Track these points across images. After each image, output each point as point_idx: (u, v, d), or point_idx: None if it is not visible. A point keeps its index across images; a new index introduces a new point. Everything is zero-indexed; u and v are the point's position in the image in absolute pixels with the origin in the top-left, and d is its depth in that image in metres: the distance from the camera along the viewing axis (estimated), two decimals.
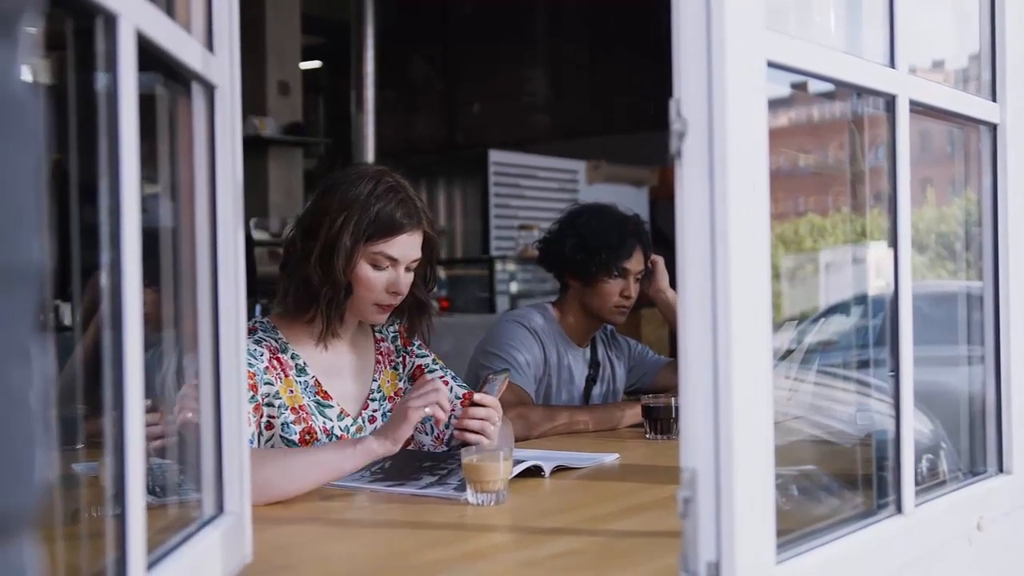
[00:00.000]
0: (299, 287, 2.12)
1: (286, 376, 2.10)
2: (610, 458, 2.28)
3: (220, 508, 1.32)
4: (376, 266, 2.11)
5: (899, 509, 1.46)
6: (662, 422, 2.57)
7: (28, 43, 0.60)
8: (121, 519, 0.97)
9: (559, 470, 2.11)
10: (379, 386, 2.25)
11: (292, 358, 2.13)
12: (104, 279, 0.97)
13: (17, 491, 0.56)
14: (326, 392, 2.15)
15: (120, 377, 0.96)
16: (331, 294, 2.09)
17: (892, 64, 1.47)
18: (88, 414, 1.12)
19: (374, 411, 2.22)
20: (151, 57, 1.07)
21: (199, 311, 1.30)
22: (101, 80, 0.98)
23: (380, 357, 2.28)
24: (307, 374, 2.13)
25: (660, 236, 5.74)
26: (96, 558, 1.02)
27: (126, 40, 0.97)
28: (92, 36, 0.96)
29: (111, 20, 0.96)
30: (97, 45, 0.96)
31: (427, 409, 1.89)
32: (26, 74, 0.59)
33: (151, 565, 1.04)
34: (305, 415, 2.09)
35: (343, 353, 2.21)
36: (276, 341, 2.13)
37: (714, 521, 1.12)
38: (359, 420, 2.19)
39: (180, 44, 1.17)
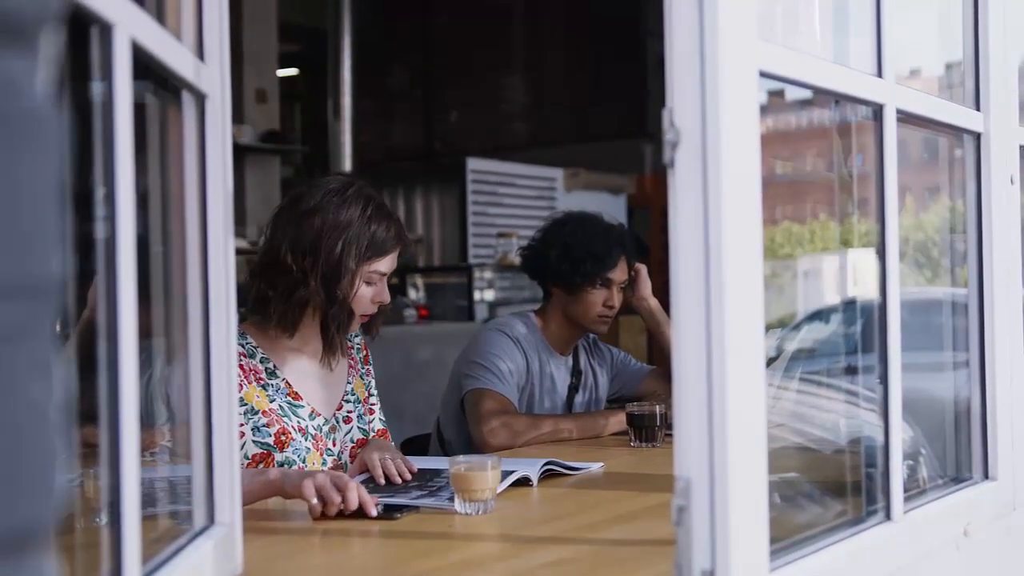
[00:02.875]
0: (296, 307, 2.14)
1: (256, 379, 2.15)
2: (595, 467, 2.28)
3: (211, 519, 1.31)
4: (369, 283, 2.19)
5: (888, 516, 1.47)
6: (647, 430, 2.57)
7: (47, 56, 0.59)
8: (116, 531, 0.96)
9: (547, 476, 2.11)
10: (352, 388, 2.32)
11: (262, 362, 2.18)
12: (97, 288, 0.97)
13: (38, 505, 0.55)
14: (297, 393, 2.20)
15: (115, 387, 0.96)
16: (339, 316, 2.15)
17: (879, 74, 1.48)
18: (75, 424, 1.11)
19: (349, 412, 2.29)
20: (143, 65, 1.06)
21: (189, 321, 1.30)
22: (95, 88, 0.97)
23: (352, 362, 2.36)
24: (278, 377, 2.19)
25: (638, 243, 5.74)
26: (89, 569, 1.01)
27: (121, 49, 0.97)
28: (85, 44, 0.96)
29: (106, 29, 0.95)
30: (92, 53, 0.95)
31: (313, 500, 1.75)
32: (45, 86, 0.58)
33: None
34: (276, 417, 2.13)
35: (317, 357, 2.25)
36: (243, 346, 2.17)
37: (708, 529, 1.12)
38: (332, 420, 2.25)
39: (172, 53, 1.16)
